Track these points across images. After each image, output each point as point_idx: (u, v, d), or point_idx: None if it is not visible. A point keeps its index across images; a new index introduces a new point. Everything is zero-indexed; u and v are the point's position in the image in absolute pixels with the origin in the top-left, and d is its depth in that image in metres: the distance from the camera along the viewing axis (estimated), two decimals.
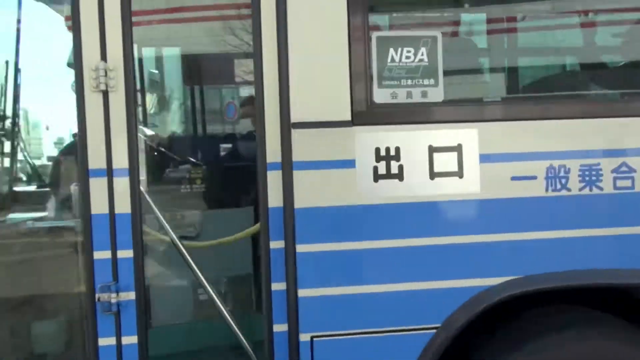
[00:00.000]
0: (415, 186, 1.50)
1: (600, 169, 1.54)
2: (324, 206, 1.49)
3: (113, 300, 1.48)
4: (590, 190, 1.54)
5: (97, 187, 1.50)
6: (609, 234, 1.56)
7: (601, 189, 1.54)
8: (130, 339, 1.52)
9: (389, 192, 1.50)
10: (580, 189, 1.54)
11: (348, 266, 1.51)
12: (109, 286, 1.49)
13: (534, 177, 1.53)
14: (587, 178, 1.54)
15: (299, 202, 1.47)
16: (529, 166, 1.53)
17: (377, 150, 1.49)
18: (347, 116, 1.48)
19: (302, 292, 1.48)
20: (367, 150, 1.48)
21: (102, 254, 1.51)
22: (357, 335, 1.50)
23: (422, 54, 1.52)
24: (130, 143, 1.51)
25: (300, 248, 1.47)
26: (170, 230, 1.73)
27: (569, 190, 1.53)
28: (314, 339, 1.48)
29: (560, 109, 1.63)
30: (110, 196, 1.51)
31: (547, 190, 1.53)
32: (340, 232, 1.50)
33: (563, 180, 1.53)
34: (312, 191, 1.48)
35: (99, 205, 1.50)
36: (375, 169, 1.49)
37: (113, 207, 1.51)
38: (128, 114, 1.51)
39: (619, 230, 1.56)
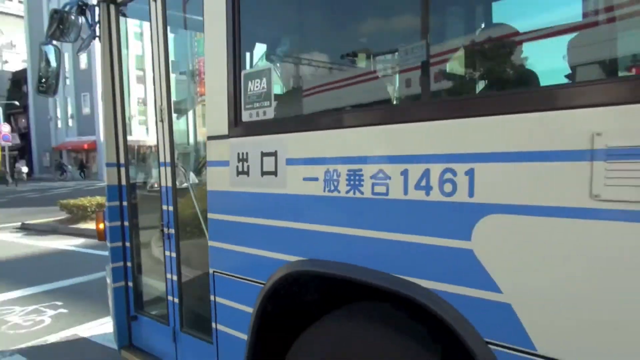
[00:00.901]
0: (254, 181, 2.08)
1: (362, 175, 1.67)
2: (215, 190, 2.29)
3: None
4: (354, 194, 1.70)
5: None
6: (365, 235, 1.67)
7: (362, 193, 1.67)
8: None
9: (242, 184, 2.14)
10: (347, 192, 1.72)
11: (224, 230, 2.25)
12: None
13: (316, 179, 1.82)
14: (352, 182, 1.71)
15: (211, 186, 2.32)
16: (314, 169, 1.83)
17: (238, 154, 2.15)
18: (226, 131, 2.20)
19: (210, 243, 2.34)
20: (234, 154, 2.17)
21: None
22: (229, 275, 2.24)
23: (263, 83, 2.05)
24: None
25: (209, 216, 2.33)
26: None
27: (339, 192, 1.75)
28: (215, 273, 2.33)
29: (335, 121, 1.79)
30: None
31: (324, 190, 1.80)
32: (221, 208, 2.26)
33: (335, 183, 1.76)
34: (212, 180, 2.30)
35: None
36: (237, 167, 2.16)
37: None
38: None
39: (373, 234, 1.65)
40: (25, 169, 36.94)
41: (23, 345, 4.35)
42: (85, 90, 38.31)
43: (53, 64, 3.14)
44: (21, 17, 52.47)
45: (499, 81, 2.03)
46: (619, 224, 1.15)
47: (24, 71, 45.77)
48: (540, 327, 1.29)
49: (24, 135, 45.17)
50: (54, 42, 3.10)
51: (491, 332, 1.37)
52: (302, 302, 2.09)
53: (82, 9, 3.07)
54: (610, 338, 1.18)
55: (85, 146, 38.93)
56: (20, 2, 58.46)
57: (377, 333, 1.69)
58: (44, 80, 3.13)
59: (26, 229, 12.05)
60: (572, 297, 1.23)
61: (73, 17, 3.07)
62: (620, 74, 1.55)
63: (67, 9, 3.07)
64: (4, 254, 8.72)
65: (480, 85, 2.14)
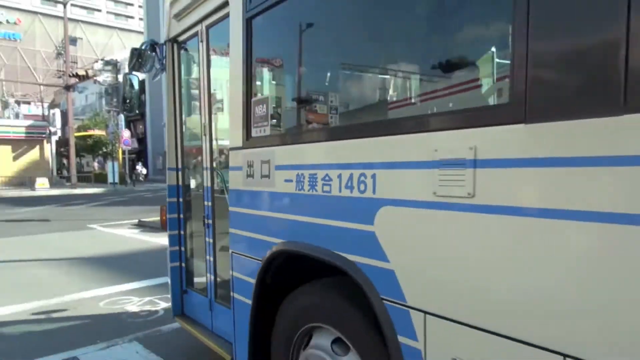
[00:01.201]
0: (257, 182, 2.73)
1: (316, 177, 2.25)
2: (233, 188, 2.97)
3: None
4: (311, 191, 2.28)
5: None
6: (318, 222, 2.25)
7: (316, 190, 2.25)
8: None
9: (250, 184, 2.80)
10: (308, 190, 2.31)
11: (238, 219, 2.93)
12: None
13: (291, 180, 2.43)
14: (310, 183, 2.29)
15: (232, 185, 3.00)
16: (290, 174, 2.44)
17: (247, 161, 2.81)
18: (241, 144, 2.87)
19: (230, 230, 3.03)
20: (245, 161, 2.83)
21: None
22: (241, 254, 2.91)
23: (264, 108, 2.69)
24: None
25: (230, 209, 3.02)
26: None
27: (304, 190, 2.34)
28: (233, 253, 3.01)
29: (299, 137, 2.38)
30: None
31: (295, 189, 2.40)
32: (236, 202, 2.94)
33: (301, 184, 2.35)
34: (232, 181, 2.98)
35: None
36: (246, 171, 2.82)
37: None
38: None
39: (323, 221, 2.22)
40: (144, 171, 41.11)
41: (139, 334, 4.77)
42: None
43: (135, 88, 4.09)
44: (141, 33, 58.14)
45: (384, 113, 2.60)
46: (449, 212, 1.64)
47: (142, 82, 50.58)
48: (409, 286, 1.79)
49: (141, 140, 49.89)
50: (134, 72, 4.03)
51: (384, 291, 1.90)
52: (290, 274, 2.70)
53: (154, 47, 3.98)
54: (447, 285, 1.67)
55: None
56: (140, 19, 64.59)
57: (327, 300, 2.27)
58: (127, 101, 4.16)
59: (142, 226, 13.10)
60: (426, 262, 1.73)
61: (147, 53, 3.97)
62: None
63: (143, 47, 3.98)
64: (123, 248, 9.82)
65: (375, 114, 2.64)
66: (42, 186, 30.12)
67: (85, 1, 71.87)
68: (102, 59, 45.16)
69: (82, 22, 71.09)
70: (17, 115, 45.86)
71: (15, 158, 35.27)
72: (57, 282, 7.06)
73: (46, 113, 42.45)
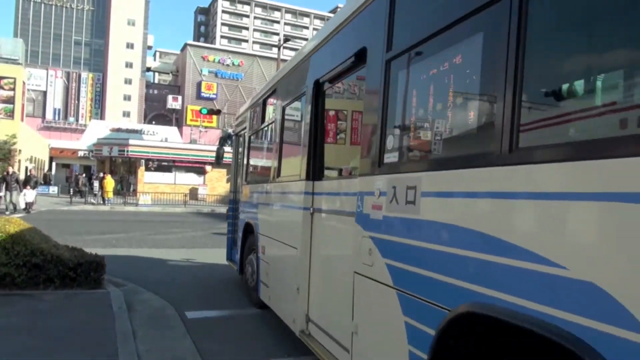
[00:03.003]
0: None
1: None
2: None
3: None
4: None
5: None
6: None
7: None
8: None
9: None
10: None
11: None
12: None
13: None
14: None
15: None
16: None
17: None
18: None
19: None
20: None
21: None
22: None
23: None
24: None
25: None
26: None
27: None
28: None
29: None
30: None
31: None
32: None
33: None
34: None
35: None
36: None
37: None
38: None
39: None
40: None
41: None
42: None
43: (223, 152, 9.84)
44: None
45: None
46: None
47: None
48: None
49: None
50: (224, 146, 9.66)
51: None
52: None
53: (230, 135, 9.18)
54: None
55: None
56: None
57: None
58: (219, 158, 10.14)
59: None
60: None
61: (228, 137, 9.34)
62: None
63: (225, 135, 9.63)
64: None
65: None
66: None
67: (296, 45, 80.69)
68: None
69: None
70: None
71: (229, 180, 40.90)
72: None
73: None
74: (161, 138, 48.51)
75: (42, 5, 79.73)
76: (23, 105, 36.89)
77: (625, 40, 1.70)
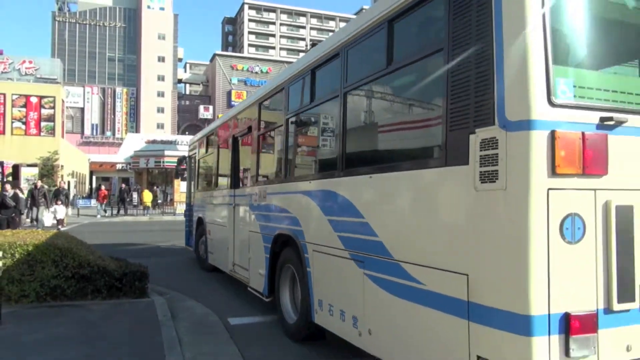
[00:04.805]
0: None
1: None
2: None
3: None
4: None
5: None
6: None
7: None
8: None
9: None
10: None
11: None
12: None
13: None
14: None
15: None
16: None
17: None
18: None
19: None
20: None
21: None
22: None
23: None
24: None
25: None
26: None
27: None
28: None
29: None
30: None
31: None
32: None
33: None
34: None
35: None
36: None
37: None
38: None
39: None
40: None
41: None
42: None
43: (181, 169, 13.43)
44: None
45: None
46: None
47: None
48: None
49: None
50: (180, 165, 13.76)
51: None
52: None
53: (185, 158, 12.69)
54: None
55: None
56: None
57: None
58: (177, 174, 15.65)
59: None
60: None
61: (184, 158, 12.86)
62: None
63: (181, 158, 13.44)
64: None
65: None
66: None
67: None
68: None
69: None
70: None
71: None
72: None
73: None
74: None
75: (77, 25, 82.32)
76: (63, 122, 38.09)
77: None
